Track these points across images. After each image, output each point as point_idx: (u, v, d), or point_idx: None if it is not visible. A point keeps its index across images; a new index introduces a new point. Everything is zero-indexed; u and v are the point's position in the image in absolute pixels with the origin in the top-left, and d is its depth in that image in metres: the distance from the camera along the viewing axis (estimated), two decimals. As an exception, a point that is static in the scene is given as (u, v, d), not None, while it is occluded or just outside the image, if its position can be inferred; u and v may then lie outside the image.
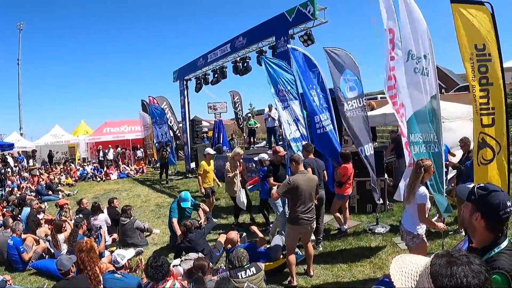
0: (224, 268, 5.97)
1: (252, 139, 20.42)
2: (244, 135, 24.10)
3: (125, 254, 5.45)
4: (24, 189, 16.38)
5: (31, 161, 21.84)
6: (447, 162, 8.22)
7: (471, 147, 8.28)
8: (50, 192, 16.25)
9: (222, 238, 7.71)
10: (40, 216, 9.56)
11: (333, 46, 8.40)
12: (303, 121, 8.75)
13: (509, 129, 5.76)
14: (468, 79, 5.43)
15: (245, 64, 14.69)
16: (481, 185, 2.28)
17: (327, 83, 8.71)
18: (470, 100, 5.46)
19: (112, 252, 7.07)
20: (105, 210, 9.46)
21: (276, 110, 9.96)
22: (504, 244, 2.17)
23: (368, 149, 8.07)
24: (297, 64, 8.59)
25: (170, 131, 20.66)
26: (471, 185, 2.41)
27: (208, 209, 8.10)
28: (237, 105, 25.50)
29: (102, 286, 5.14)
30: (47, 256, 7.93)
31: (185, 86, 20.45)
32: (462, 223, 2.46)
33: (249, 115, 23.80)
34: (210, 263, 5.48)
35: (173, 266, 6.21)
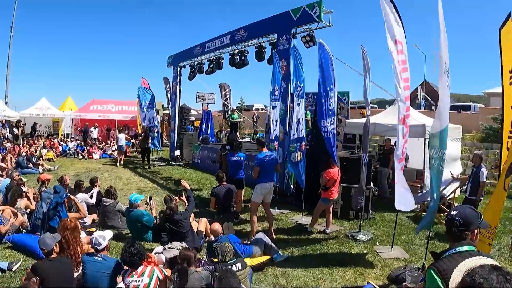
0: (206, 260, 5.93)
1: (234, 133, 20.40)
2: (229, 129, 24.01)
3: (105, 235, 5.33)
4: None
5: (15, 130, 21.34)
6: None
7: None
8: (30, 165, 15.96)
9: (202, 225, 7.69)
10: (24, 188, 9.35)
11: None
12: (304, 122, 8.81)
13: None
14: (507, 103, 5.12)
15: (243, 58, 14.56)
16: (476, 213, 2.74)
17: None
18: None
19: (91, 233, 6.93)
20: (95, 190, 9.35)
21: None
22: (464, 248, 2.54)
23: (365, 157, 8.08)
24: (321, 62, 8.45)
25: (159, 116, 20.50)
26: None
27: (188, 187, 8.05)
28: (226, 98, 25.43)
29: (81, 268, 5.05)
30: (24, 231, 7.77)
31: (178, 73, 20.32)
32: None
33: (233, 108, 23.68)
34: (197, 255, 5.42)
35: (155, 253, 6.17)
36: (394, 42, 6.31)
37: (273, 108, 9.83)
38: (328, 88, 8.42)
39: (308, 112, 14.33)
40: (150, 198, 8.33)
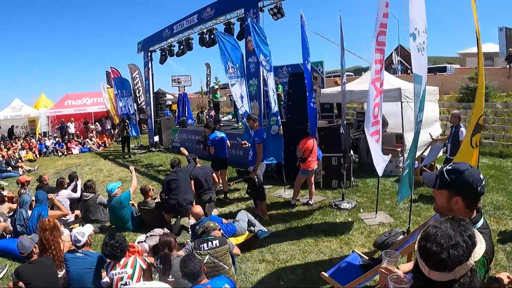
0: (190, 243, 5.87)
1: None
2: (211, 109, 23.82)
3: (84, 231, 5.23)
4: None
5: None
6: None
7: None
8: (9, 169, 15.67)
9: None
10: (4, 192, 9.14)
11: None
12: (275, 95, 8.73)
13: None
14: (480, 62, 5.25)
15: (212, 36, 14.29)
16: (449, 168, 2.19)
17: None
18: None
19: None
20: (78, 183, 9.23)
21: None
22: (480, 222, 2.15)
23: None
24: (302, 34, 8.42)
25: (135, 104, 20.15)
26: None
27: (186, 153, 8.75)
28: (207, 77, 25.32)
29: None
30: (8, 236, 7.58)
31: (149, 58, 20.01)
32: (438, 210, 2.36)
33: (215, 87, 23.56)
34: (176, 239, 5.34)
35: (138, 242, 6.10)
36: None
37: (232, 85, 9.67)
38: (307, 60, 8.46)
39: (280, 85, 14.27)
40: (128, 167, 8.88)
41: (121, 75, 21.52)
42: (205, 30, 14.82)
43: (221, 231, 5.48)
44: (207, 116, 22.24)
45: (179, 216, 7.67)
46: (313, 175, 8.58)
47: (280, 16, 10.73)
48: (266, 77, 8.79)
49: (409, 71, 27.85)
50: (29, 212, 7.42)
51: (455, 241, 1.56)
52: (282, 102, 12.60)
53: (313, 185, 8.57)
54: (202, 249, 4.75)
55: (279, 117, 8.86)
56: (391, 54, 35.02)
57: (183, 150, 9.09)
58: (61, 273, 5.12)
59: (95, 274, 4.77)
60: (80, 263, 4.78)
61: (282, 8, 10.67)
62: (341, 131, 8.07)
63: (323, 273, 4.42)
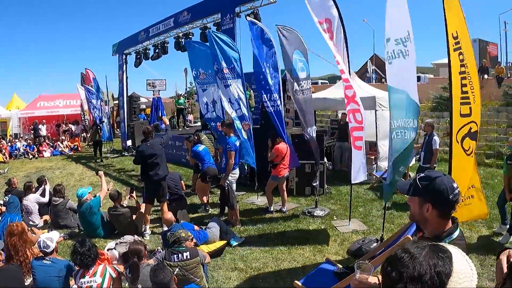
0: (161, 251, 5.78)
1: (182, 119, 20.34)
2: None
3: (53, 237, 5.06)
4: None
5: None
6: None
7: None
8: (-22, 172, 15.21)
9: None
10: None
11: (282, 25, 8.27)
12: (245, 101, 8.65)
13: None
14: (454, 70, 5.17)
15: (188, 40, 14.20)
16: (422, 175, 2.20)
17: (279, 63, 8.52)
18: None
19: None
20: (47, 187, 8.96)
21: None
22: (456, 233, 2.13)
23: (312, 131, 8.03)
24: (253, 38, 8.41)
25: (107, 107, 19.83)
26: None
27: (168, 122, 8.78)
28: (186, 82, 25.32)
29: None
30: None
31: (124, 61, 19.73)
32: (412, 218, 2.34)
33: (179, 93, 23.58)
34: (147, 246, 5.24)
35: (108, 249, 5.97)
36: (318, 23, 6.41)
37: (204, 90, 9.85)
38: (263, 65, 8.36)
39: (248, 91, 14.24)
40: (97, 172, 8.74)
41: (95, 77, 21.14)
42: (181, 34, 14.75)
43: (194, 240, 5.40)
44: (187, 121, 22.10)
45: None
46: (284, 182, 8.54)
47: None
48: (225, 84, 8.69)
49: (383, 79, 28.31)
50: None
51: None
52: (252, 108, 12.58)
53: (285, 192, 8.53)
54: (173, 260, 4.67)
55: (243, 123, 8.77)
56: (366, 63, 35.59)
57: (164, 118, 9.07)
58: (28, 281, 4.95)
59: (63, 283, 4.62)
60: (47, 270, 4.62)
61: (259, 14, 10.67)
62: (306, 136, 8.03)
63: (296, 281, 4.38)
